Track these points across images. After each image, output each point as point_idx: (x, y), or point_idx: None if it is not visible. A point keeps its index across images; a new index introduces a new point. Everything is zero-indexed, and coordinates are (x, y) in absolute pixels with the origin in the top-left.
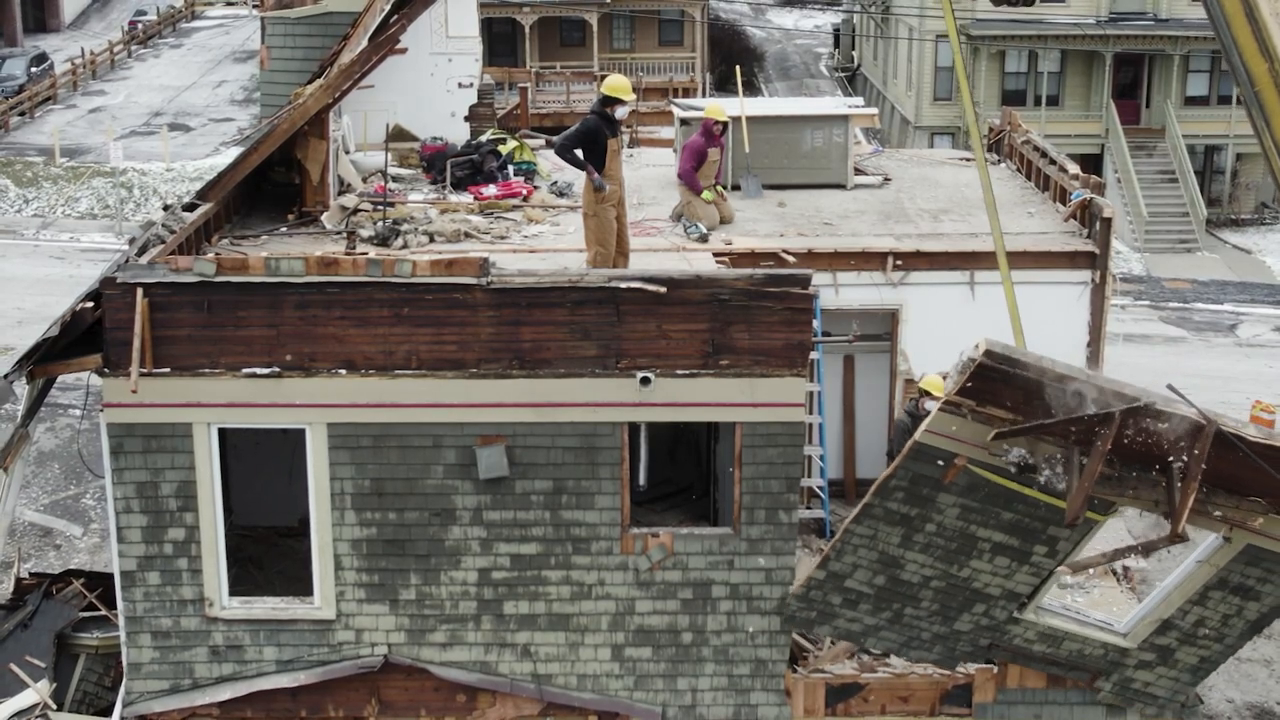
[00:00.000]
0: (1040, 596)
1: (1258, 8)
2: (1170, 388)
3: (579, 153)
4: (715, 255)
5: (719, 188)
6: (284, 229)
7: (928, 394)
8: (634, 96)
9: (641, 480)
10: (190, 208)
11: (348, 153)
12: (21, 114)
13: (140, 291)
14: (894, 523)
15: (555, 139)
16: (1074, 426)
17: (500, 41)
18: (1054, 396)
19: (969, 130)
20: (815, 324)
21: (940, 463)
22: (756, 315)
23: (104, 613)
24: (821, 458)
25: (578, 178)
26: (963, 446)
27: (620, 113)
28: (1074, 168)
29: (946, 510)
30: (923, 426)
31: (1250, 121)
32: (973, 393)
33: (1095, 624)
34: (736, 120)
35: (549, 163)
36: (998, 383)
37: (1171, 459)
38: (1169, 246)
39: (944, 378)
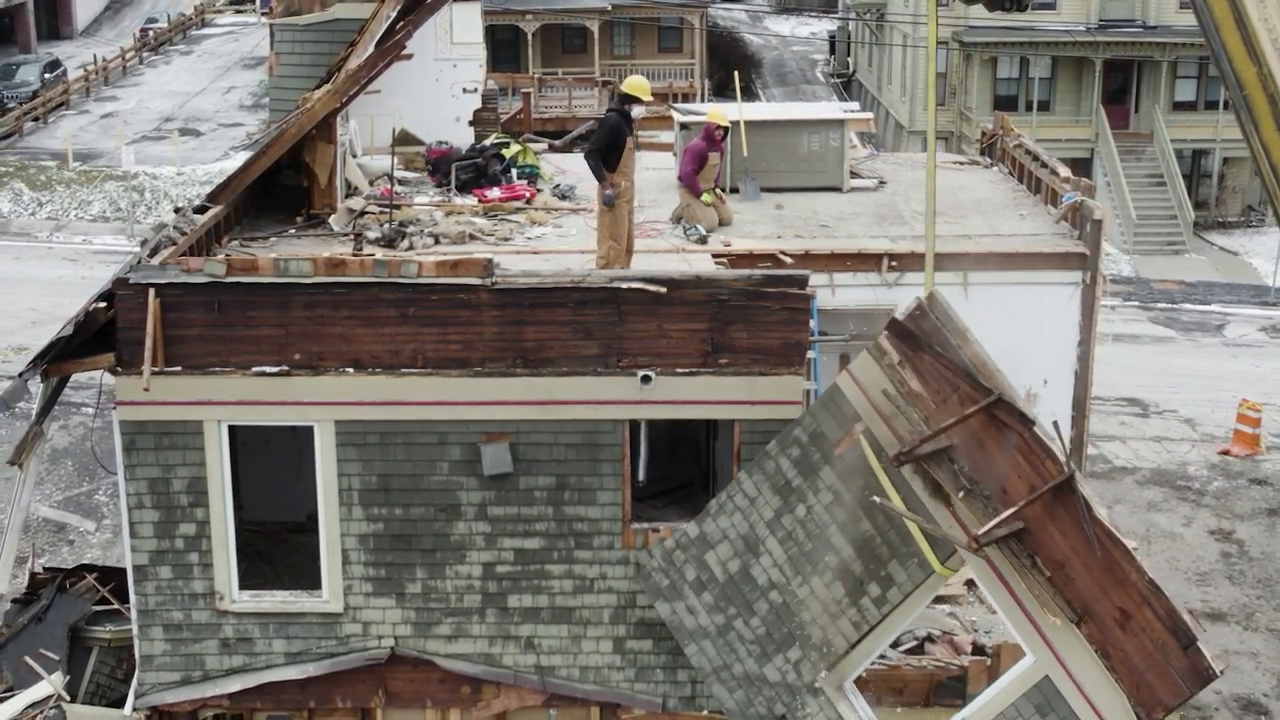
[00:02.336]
0: (849, 664)
1: (1247, 14)
2: (1055, 425)
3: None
4: (714, 256)
5: (718, 190)
6: (292, 231)
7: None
8: (652, 98)
9: (642, 476)
10: (201, 210)
11: (355, 156)
12: (35, 119)
13: (152, 292)
14: (777, 488)
15: (559, 140)
16: (956, 378)
17: (503, 48)
18: (961, 368)
19: (928, 138)
20: (812, 323)
21: (841, 426)
22: (755, 315)
23: (116, 606)
24: None
25: (580, 180)
26: (867, 410)
27: (637, 112)
28: (1065, 171)
29: (821, 492)
30: (851, 366)
31: (1239, 125)
32: (904, 338)
33: None
34: (735, 125)
35: (552, 166)
36: (928, 334)
37: (1016, 483)
38: (1157, 248)
39: None
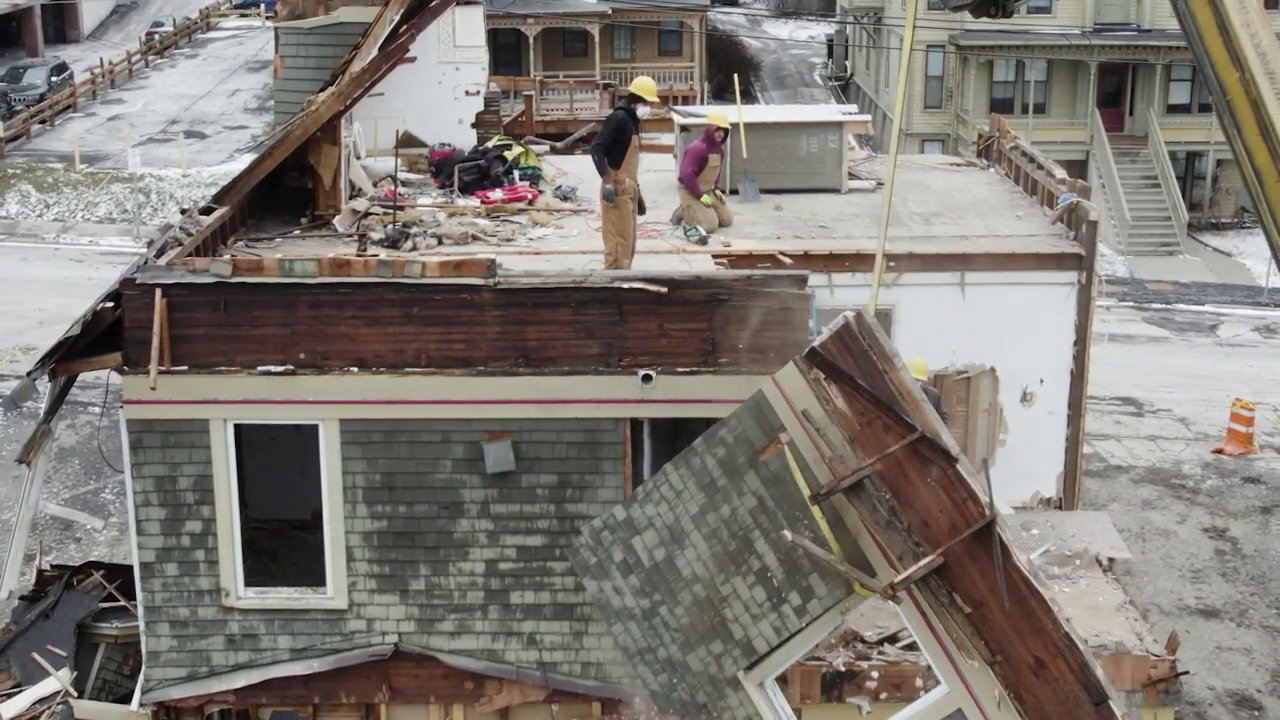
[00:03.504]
0: (769, 665)
1: (1229, 19)
2: (984, 463)
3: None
4: (714, 257)
5: (718, 192)
6: (297, 232)
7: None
8: (657, 99)
9: (644, 474)
10: (206, 211)
11: (359, 158)
12: (42, 122)
13: (159, 292)
14: (702, 485)
15: (561, 141)
16: (879, 409)
17: (505, 51)
18: (887, 393)
19: (892, 140)
20: (811, 323)
21: (766, 434)
22: (755, 315)
23: (123, 603)
24: None
25: (582, 181)
26: (791, 420)
27: (642, 112)
28: (1061, 172)
29: (746, 496)
30: (778, 375)
31: (1223, 129)
32: (826, 367)
33: None
34: (735, 127)
35: (553, 168)
36: (853, 355)
37: (937, 517)
38: (1152, 249)
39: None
